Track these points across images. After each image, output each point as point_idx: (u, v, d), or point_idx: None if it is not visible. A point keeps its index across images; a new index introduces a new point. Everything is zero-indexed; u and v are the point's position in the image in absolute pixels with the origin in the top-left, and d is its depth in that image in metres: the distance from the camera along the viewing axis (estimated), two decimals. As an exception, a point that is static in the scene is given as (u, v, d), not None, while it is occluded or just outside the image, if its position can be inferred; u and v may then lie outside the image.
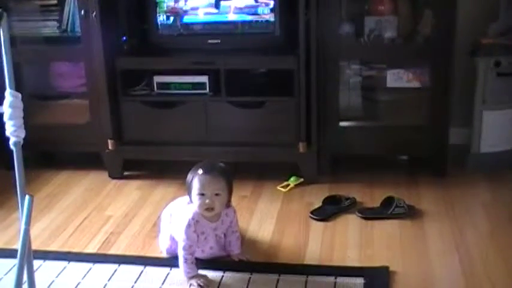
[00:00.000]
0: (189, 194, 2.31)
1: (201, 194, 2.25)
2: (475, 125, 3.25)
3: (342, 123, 3.25)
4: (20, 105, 1.94)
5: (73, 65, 3.47)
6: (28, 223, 1.92)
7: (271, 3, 3.11)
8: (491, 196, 2.99)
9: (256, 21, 3.15)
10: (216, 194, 2.26)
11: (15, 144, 1.93)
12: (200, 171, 2.28)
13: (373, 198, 2.96)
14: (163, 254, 2.49)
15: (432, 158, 3.25)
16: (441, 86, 3.10)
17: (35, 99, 3.39)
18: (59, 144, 3.46)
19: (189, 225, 2.27)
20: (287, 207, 2.95)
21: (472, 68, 3.20)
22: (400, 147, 3.26)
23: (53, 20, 3.31)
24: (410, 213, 2.79)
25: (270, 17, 3.13)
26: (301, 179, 3.18)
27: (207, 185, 2.25)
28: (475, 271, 2.32)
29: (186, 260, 2.27)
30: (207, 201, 2.25)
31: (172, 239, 2.41)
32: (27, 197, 1.94)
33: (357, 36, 3.17)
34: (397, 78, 3.21)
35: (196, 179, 2.27)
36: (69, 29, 3.31)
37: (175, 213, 2.42)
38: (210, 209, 2.27)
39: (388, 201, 2.81)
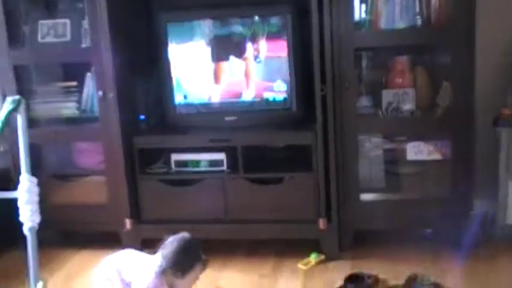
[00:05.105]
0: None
1: None
2: (500, 195, 3.18)
3: (363, 197, 3.20)
4: (36, 190, 1.94)
5: (92, 143, 3.50)
6: (41, 309, 1.90)
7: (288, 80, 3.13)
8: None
9: (273, 98, 3.17)
10: None
11: (30, 229, 1.92)
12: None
13: (397, 274, 2.86)
14: None
15: (456, 231, 3.15)
16: (463, 158, 3.04)
17: (55, 179, 3.41)
18: (77, 223, 3.44)
19: None
20: (308, 285, 2.88)
21: (494, 138, 3.16)
22: (423, 221, 3.17)
23: (73, 101, 3.37)
24: (436, 291, 2.69)
25: (286, 94, 3.14)
26: (323, 256, 3.11)
27: None
28: None
29: None
30: None
31: None
32: (40, 282, 1.92)
33: (375, 109, 3.16)
34: (417, 151, 3.18)
35: None
36: (88, 109, 3.37)
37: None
38: None
39: (412, 279, 2.71)
